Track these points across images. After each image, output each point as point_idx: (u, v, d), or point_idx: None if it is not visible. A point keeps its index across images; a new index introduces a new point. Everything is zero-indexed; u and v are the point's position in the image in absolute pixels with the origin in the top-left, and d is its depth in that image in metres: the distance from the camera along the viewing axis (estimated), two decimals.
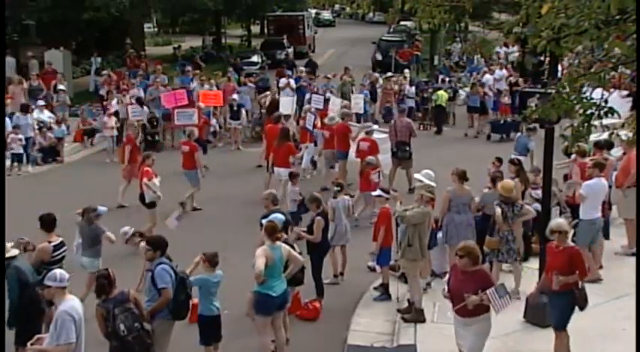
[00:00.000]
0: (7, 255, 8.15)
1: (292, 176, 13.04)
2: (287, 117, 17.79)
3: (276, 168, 15.22)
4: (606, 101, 6.56)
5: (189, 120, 18.81)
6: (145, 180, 12.86)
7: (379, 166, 14.29)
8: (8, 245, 8.32)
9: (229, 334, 8.76)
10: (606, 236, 11.96)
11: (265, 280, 8.28)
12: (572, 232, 11.14)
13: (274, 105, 19.32)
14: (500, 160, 12.83)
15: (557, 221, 8.50)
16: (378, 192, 10.99)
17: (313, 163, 17.69)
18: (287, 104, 18.74)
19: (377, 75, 26.02)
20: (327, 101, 19.35)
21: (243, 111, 21.87)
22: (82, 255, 10.07)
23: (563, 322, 8.25)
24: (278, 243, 8.56)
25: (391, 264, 11.36)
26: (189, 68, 25.56)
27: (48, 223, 9.01)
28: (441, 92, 23.72)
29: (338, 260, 11.44)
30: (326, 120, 17.07)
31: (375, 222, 10.88)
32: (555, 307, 8.33)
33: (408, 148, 16.09)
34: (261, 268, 8.15)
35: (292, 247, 9.13)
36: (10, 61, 27.10)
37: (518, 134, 15.30)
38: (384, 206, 10.80)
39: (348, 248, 11.49)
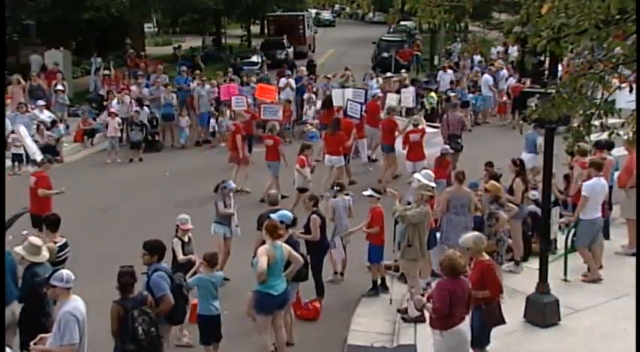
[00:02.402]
0: (36, 259, 8.14)
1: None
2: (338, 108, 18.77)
3: (327, 156, 16.02)
4: (606, 101, 6.57)
5: (274, 115, 19.45)
6: (297, 166, 14.16)
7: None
8: (43, 249, 8.31)
9: (229, 334, 8.76)
10: (606, 236, 11.95)
11: (266, 279, 8.29)
12: (572, 232, 11.19)
13: (330, 100, 20.02)
14: (491, 164, 12.66)
15: (464, 236, 8.27)
16: (369, 191, 10.98)
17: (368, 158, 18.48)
18: (338, 96, 19.50)
19: (405, 75, 25.95)
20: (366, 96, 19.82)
21: None
22: (214, 222, 11.35)
23: (480, 340, 7.98)
24: (279, 242, 8.55)
25: (391, 263, 11.37)
26: (184, 68, 25.56)
27: (53, 224, 9.01)
28: (432, 93, 23.77)
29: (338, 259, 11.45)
30: (382, 115, 17.81)
31: (368, 221, 10.88)
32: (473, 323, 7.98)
33: (459, 141, 16.69)
34: (264, 267, 8.16)
35: (297, 244, 9.15)
36: (37, 58, 27.09)
37: (529, 131, 15.17)
38: (376, 205, 10.81)
39: (348, 248, 11.49)
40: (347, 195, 11.58)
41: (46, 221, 9.04)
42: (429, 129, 16.58)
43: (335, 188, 11.66)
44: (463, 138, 17.12)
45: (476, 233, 8.48)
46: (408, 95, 21.73)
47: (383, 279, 11.01)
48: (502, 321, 8.12)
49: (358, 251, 11.54)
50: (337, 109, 18.16)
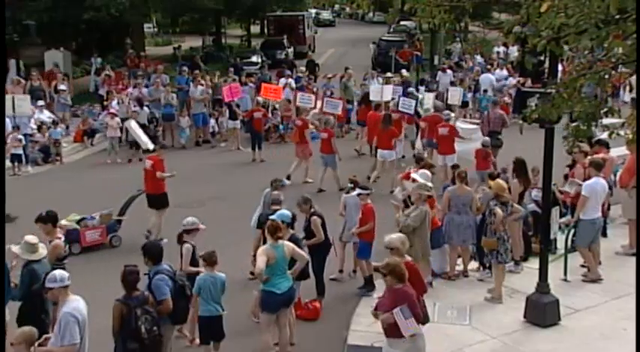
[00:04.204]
0: (32, 257, 8.13)
1: (419, 160, 13.87)
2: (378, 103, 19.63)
3: (379, 151, 16.60)
4: (606, 101, 6.58)
5: (335, 109, 20.25)
6: (400, 177, 13.42)
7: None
8: (40, 245, 8.33)
9: (229, 334, 8.75)
10: (603, 234, 11.98)
11: (269, 278, 8.31)
12: (572, 232, 11.18)
13: (368, 97, 20.89)
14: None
15: (390, 237, 8.22)
16: (357, 190, 10.98)
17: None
18: (376, 91, 20.43)
19: (407, 74, 26.25)
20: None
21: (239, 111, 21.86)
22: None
23: None
24: (280, 241, 8.54)
25: None
26: (185, 68, 25.59)
27: (52, 219, 9.02)
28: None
29: (345, 257, 11.48)
30: (421, 112, 18.88)
31: (359, 219, 10.89)
32: None
33: (500, 137, 17.13)
34: (261, 267, 8.18)
35: (298, 241, 9.17)
36: (55, 54, 27.14)
37: None
38: (366, 202, 10.83)
39: (349, 246, 11.49)
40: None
41: (44, 218, 9.03)
42: (468, 126, 17.36)
43: (348, 184, 11.70)
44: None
45: (401, 234, 8.42)
46: (455, 93, 22.09)
47: (371, 276, 11.01)
48: (427, 320, 8.14)
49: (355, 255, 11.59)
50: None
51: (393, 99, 20.35)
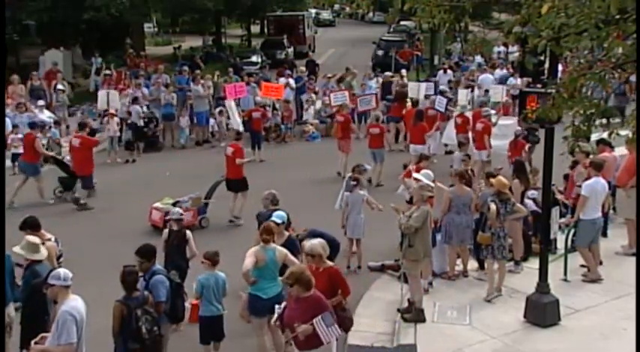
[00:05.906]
0: (35, 257, 8.15)
1: (460, 144, 15.43)
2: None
3: (412, 145, 17.44)
4: (606, 101, 6.58)
5: (368, 104, 20.87)
6: (401, 176, 13.58)
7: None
8: (42, 247, 8.33)
9: (229, 334, 8.76)
10: (604, 234, 11.98)
11: (256, 281, 8.22)
12: (572, 232, 11.18)
13: (402, 93, 21.83)
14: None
15: (310, 243, 8.02)
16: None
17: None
18: (414, 89, 21.34)
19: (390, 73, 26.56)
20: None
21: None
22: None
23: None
24: (272, 244, 8.45)
25: (392, 263, 11.38)
26: (185, 68, 25.58)
27: (35, 225, 9.03)
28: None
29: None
30: (457, 108, 19.43)
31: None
32: None
33: (537, 133, 17.37)
34: (248, 267, 8.09)
35: (295, 243, 9.17)
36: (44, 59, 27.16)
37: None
38: None
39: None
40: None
41: (26, 224, 9.03)
42: (507, 121, 17.89)
43: (352, 183, 11.73)
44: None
45: (321, 239, 8.23)
46: (498, 91, 22.32)
47: None
48: (351, 323, 8.14)
49: (358, 252, 11.59)
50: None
51: (427, 97, 21.01)
